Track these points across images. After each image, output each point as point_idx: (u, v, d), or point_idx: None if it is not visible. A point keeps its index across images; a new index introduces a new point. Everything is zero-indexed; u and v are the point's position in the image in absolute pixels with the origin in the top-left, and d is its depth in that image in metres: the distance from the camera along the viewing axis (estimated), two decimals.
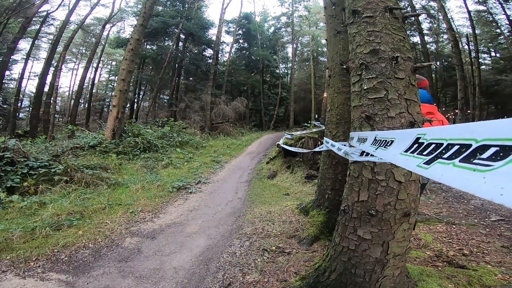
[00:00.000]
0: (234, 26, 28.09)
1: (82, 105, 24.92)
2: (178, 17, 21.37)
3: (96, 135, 9.48)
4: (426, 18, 21.75)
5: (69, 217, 3.98)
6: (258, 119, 29.10)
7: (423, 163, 0.83)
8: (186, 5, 22.52)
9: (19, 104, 21.63)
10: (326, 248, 3.02)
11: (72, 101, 24.14)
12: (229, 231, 3.96)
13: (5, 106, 21.81)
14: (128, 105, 20.92)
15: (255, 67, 29.13)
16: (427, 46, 21.35)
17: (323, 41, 28.63)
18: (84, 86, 22.85)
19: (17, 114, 20.11)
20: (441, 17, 18.65)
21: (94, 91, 26.16)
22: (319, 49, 32.12)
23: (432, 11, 20.72)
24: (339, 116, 3.76)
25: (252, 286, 2.59)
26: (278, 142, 9.49)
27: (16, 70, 24.25)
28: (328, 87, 4.32)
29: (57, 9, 19.49)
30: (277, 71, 32.22)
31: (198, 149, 11.77)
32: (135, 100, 25.09)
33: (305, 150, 7.06)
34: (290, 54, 34.35)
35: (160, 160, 8.42)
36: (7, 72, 19.64)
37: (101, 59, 26.38)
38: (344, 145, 2.55)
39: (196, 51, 25.11)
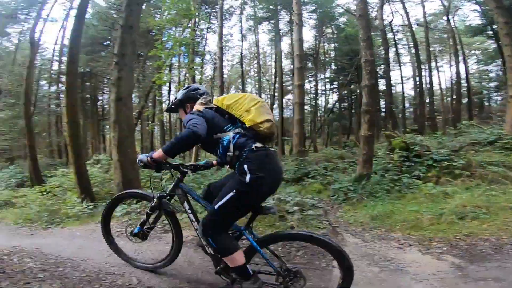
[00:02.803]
0: None
1: (455, 100, 23.84)
2: None
3: (492, 130, 8.60)
4: None
5: (475, 210, 4.04)
6: None
7: None
8: None
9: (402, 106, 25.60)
10: None
11: (449, 99, 24.34)
12: None
13: (394, 109, 27.10)
14: None
15: None
16: None
17: None
18: (453, 82, 21.85)
19: (404, 114, 23.99)
20: None
21: (469, 85, 23.82)
22: None
23: None
24: None
25: None
26: None
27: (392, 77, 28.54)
28: None
29: None
30: None
31: None
32: None
33: None
34: None
35: None
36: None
37: (463, 51, 23.08)
38: None
39: None
